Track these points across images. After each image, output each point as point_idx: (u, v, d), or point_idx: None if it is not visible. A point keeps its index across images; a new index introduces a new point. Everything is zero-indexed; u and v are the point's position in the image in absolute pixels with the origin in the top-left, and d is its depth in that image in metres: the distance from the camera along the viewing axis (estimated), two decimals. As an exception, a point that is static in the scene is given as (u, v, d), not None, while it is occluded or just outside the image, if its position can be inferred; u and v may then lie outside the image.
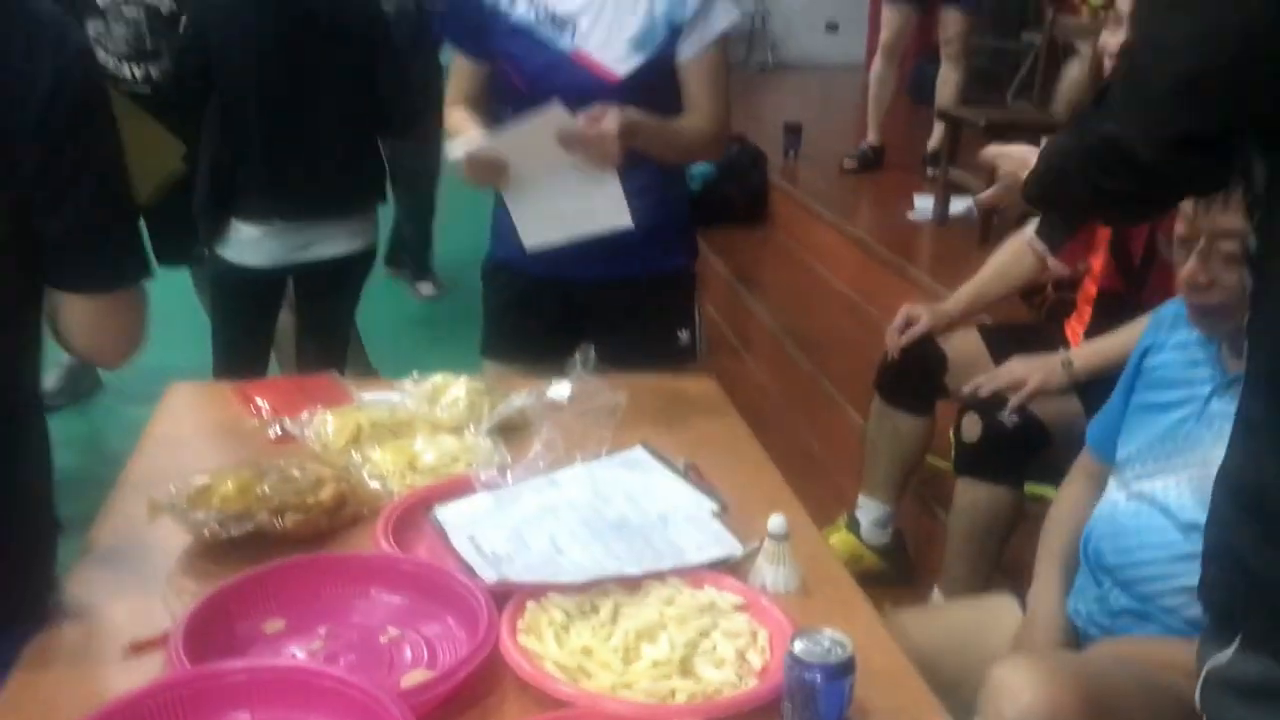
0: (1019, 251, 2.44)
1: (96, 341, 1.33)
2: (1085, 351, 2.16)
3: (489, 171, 1.84)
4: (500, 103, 2.01)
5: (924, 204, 4.24)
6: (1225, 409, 1.42)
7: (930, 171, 4.53)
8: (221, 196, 2.83)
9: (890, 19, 4.73)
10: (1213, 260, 1.42)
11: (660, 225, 2.03)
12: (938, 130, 4.53)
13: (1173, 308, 1.62)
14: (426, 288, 5.14)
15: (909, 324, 2.42)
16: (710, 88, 1.95)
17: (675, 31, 1.91)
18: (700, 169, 4.85)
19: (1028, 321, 2.66)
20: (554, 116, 1.73)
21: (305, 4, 2.67)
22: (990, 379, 2.17)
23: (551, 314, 2.15)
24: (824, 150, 5.21)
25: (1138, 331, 1.75)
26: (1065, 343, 2.32)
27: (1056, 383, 2.10)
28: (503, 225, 2.04)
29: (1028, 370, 2.13)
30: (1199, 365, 1.53)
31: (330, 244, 2.88)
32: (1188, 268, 1.44)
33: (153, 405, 3.83)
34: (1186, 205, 1.45)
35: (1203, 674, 0.97)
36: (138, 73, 3.55)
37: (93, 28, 3.50)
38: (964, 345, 2.42)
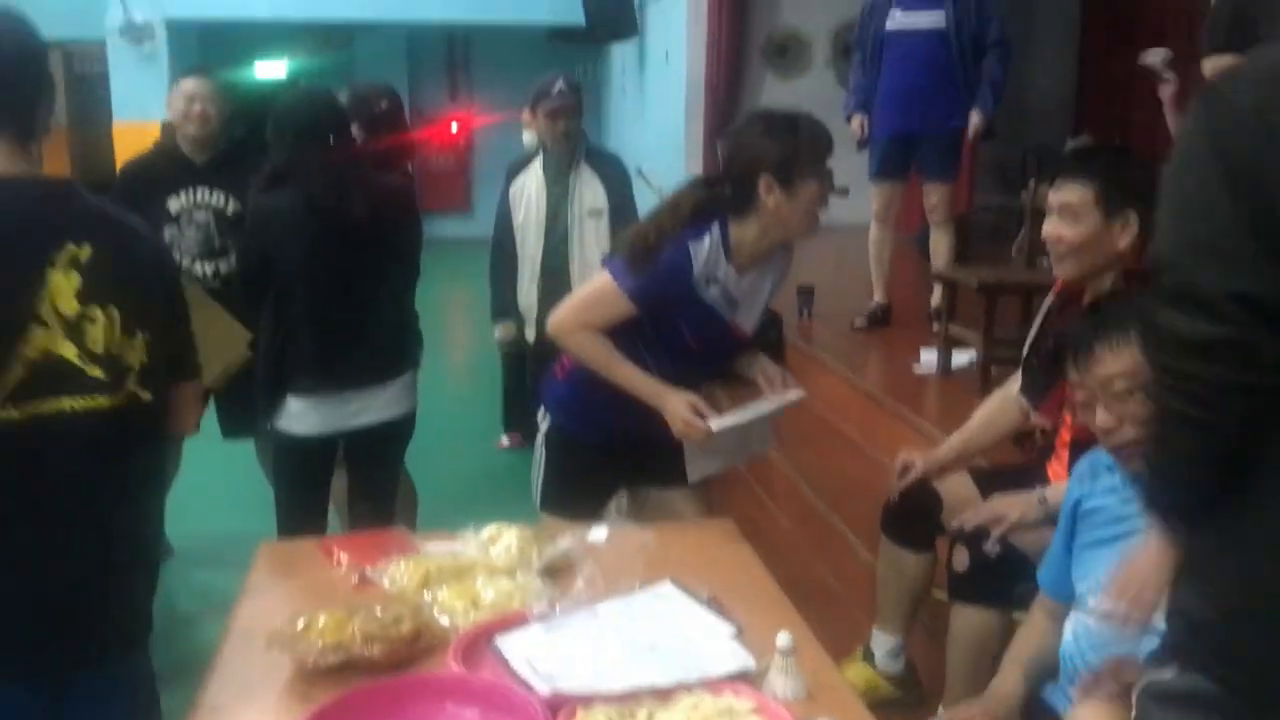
0: (1004, 405, 2.73)
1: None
2: (1058, 488, 2.44)
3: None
4: (637, 340, 2.45)
5: (929, 357, 4.55)
6: None
7: (935, 326, 4.86)
8: (277, 375, 3.16)
9: (877, 193, 5.19)
10: (1112, 405, 1.72)
11: None
12: (937, 289, 4.90)
13: (1088, 462, 1.91)
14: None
15: (906, 469, 2.70)
16: None
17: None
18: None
19: (1018, 463, 2.94)
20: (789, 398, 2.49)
21: (348, 213, 3.04)
22: (974, 514, 2.44)
23: (601, 473, 2.56)
24: (836, 309, 5.55)
25: None
26: (1047, 482, 2.60)
27: (1033, 516, 2.37)
28: (575, 406, 2.56)
29: (1007, 506, 2.40)
30: (1132, 503, 1.81)
31: (374, 411, 3.19)
32: (1097, 420, 1.74)
33: (221, 569, 4.14)
34: (1073, 373, 1.77)
35: (1141, 685, 1.25)
36: (208, 270, 3.92)
37: (168, 233, 3.90)
38: (958, 487, 2.69)
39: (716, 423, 2.33)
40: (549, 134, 4.15)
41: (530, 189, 4.22)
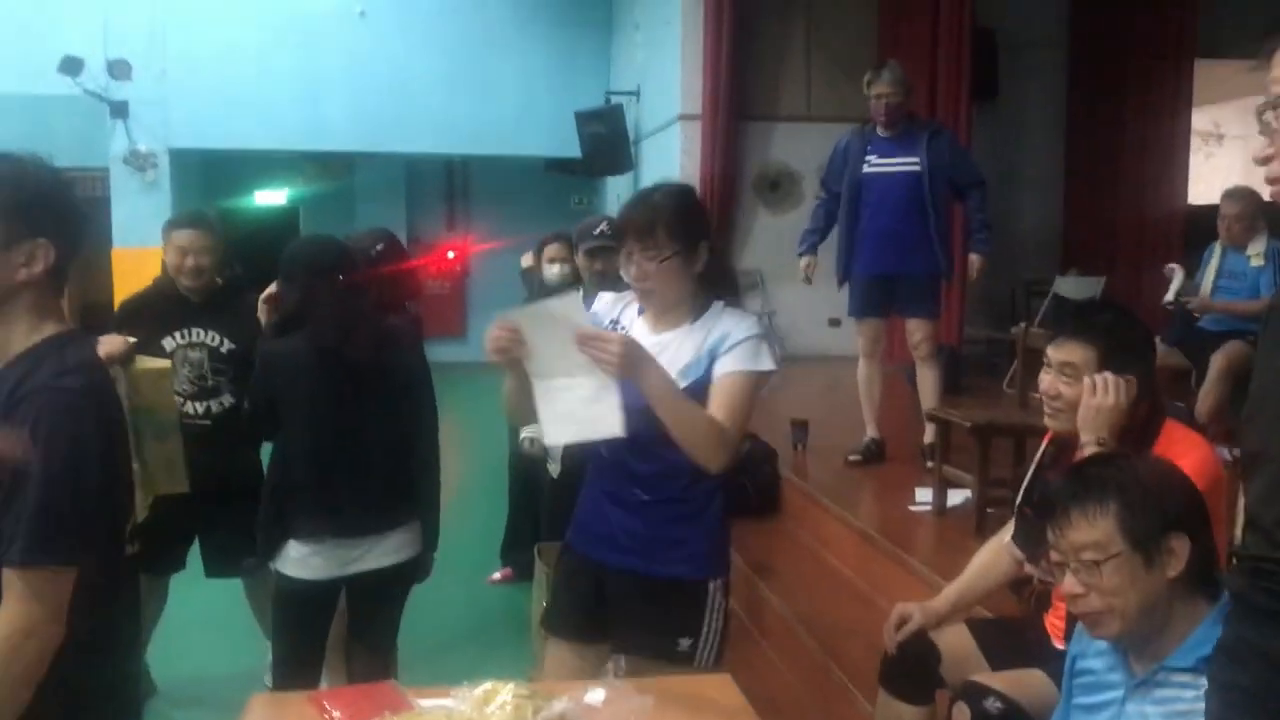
0: (999, 553, 2.72)
1: None
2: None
3: (509, 341, 2.21)
4: None
5: (924, 495, 4.55)
6: (1139, 709, 1.68)
7: (929, 463, 4.88)
8: (280, 518, 3.14)
9: (863, 329, 5.29)
10: (1080, 573, 1.72)
11: (679, 538, 2.42)
12: (929, 426, 4.93)
13: None
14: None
15: (902, 622, 2.68)
16: (726, 399, 2.30)
17: (713, 359, 2.34)
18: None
19: (1016, 615, 2.91)
20: (571, 302, 2.19)
21: (352, 354, 3.07)
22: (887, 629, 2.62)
23: (587, 594, 2.52)
24: (830, 443, 5.57)
25: None
26: (1046, 636, 2.58)
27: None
28: (579, 512, 2.54)
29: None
30: (1115, 670, 1.80)
31: (377, 557, 3.16)
32: (1064, 584, 1.74)
33: (205, 710, 4.05)
34: (1050, 533, 1.78)
35: None
36: (199, 409, 3.91)
37: (159, 372, 3.94)
38: (955, 640, 2.66)
39: (512, 313, 2.26)
40: (586, 271, 4.30)
41: None
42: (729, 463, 2.33)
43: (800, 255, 5.38)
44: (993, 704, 2.32)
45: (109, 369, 3.07)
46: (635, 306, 2.52)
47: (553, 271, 4.90)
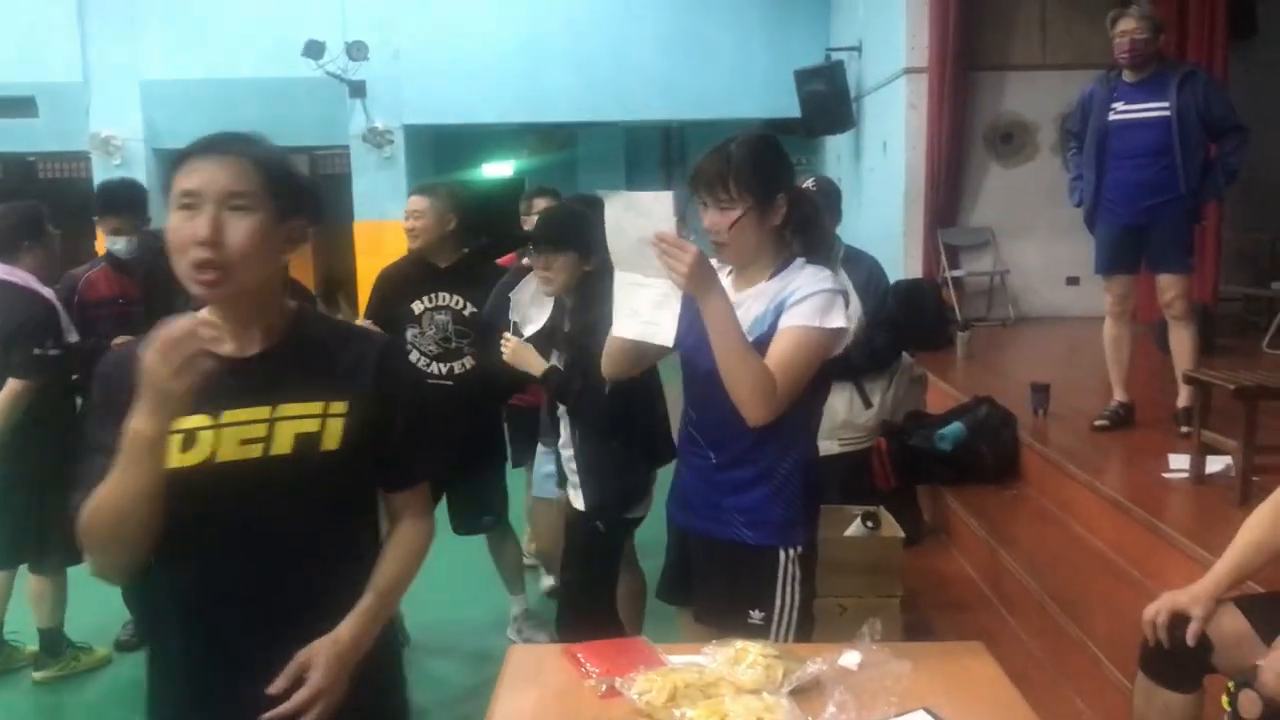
0: (1276, 519, 2.51)
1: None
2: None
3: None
4: None
5: (1179, 462, 4.28)
6: None
7: (1184, 429, 4.59)
8: None
9: (1110, 287, 4.99)
10: None
11: (747, 502, 2.34)
12: (1184, 390, 4.63)
13: None
14: None
15: (1174, 618, 2.41)
16: (781, 352, 2.23)
17: (780, 314, 2.27)
18: (951, 430, 5.07)
19: None
20: (663, 200, 2.18)
21: None
22: (1270, 666, 2.21)
23: (679, 562, 2.54)
24: (1073, 408, 5.32)
25: None
26: None
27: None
28: (674, 478, 2.53)
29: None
30: None
31: None
32: None
33: (453, 658, 4.24)
34: None
35: None
36: (443, 369, 4.13)
37: (410, 332, 4.14)
38: (1227, 623, 2.41)
39: (610, 195, 2.28)
40: None
41: None
42: (770, 417, 2.22)
43: (1077, 205, 5.06)
44: None
45: None
46: (726, 267, 2.44)
47: None
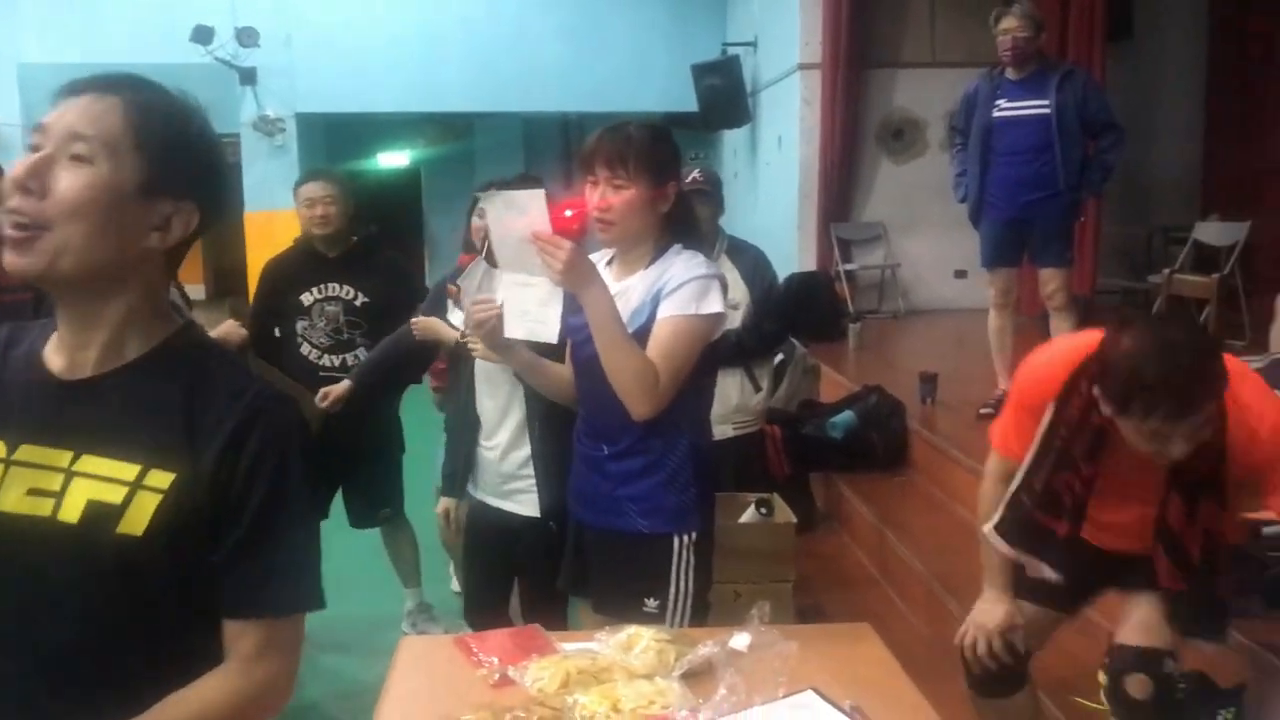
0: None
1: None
2: None
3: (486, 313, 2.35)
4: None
5: (1059, 448, 4.42)
6: None
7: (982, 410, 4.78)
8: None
9: (994, 279, 5.14)
10: None
11: (640, 492, 2.35)
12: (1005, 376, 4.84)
13: None
14: None
15: (1007, 633, 2.49)
16: (660, 344, 2.25)
17: (658, 303, 2.28)
18: (843, 419, 5.18)
19: None
20: (537, 198, 2.21)
21: None
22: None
23: (580, 552, 2.53)
24: (959, 396, 5.47)
25: None
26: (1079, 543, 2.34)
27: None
28: (570, 474, 2.53)
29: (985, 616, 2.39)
30: None
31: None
32: None
33: (346, 653, 4.19)
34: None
35: None
36: (335, 361, 4.06)
37: (300, 324, 4.07)
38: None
39: (486, 198, 2.37)
40: None
41: None
42: (655, 409, 2.25)
43: (961, 201, 5.20)
44: (1171, 665, 2.21)
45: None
46: (607, 257, 2.48)
47: None
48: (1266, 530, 2.79)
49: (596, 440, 2.42)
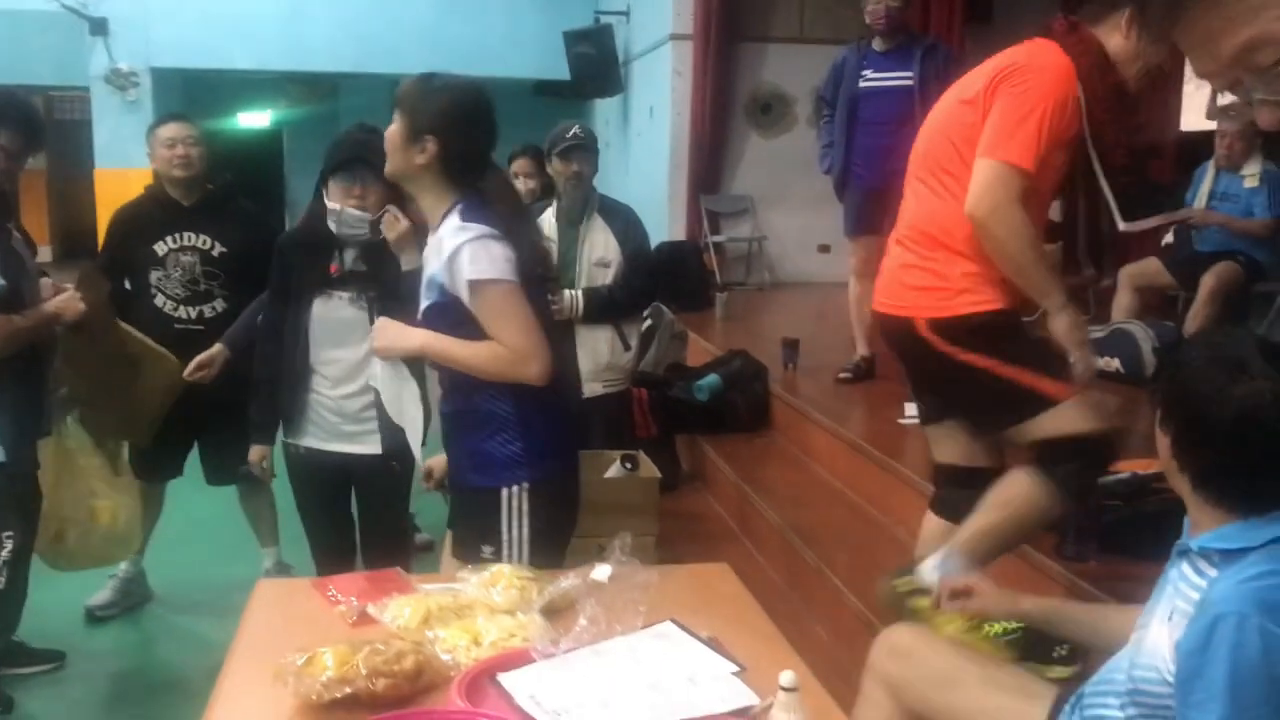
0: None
1: None
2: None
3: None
4: None
5: (913, 410, 4.56)
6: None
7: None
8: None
9: (855, 248, 5.28)
10: None
11: (473, 448, 2.44)
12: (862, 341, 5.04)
13: None
14: None
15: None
16: (491, 316, 2.29)
17: (449, 276, 2.30)
18: (708, 381, 5.26)
19: None
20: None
21: None
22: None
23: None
24: (820, 362, 5.60)
25: None
26: None
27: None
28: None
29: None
30: None
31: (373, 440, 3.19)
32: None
33: (199, 614, 4.11)
34: None
35: None
36: (191, 313, 3.93)
37: (154, 275, 3.92)
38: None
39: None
40: (563, 175, 4.23)
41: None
42: (540, 370, 2.30)
43: (826, 172, 5.30)
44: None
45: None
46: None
47: (522, 186, 4.66)
48: (1103, 480, 2.94)
49: (444, 399, 2.51)
